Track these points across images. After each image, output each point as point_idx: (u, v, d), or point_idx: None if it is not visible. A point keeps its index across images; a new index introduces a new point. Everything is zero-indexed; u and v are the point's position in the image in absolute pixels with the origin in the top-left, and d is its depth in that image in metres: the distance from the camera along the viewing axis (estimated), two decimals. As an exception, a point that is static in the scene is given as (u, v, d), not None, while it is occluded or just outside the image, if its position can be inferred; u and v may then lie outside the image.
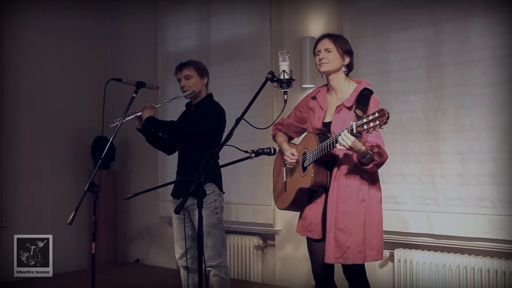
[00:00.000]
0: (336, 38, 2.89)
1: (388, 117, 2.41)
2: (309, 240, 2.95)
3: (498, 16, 3.68)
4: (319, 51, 2.88)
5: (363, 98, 2.77)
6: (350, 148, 2.57)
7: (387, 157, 2.74)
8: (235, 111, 3.02)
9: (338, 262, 2.76)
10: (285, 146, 3.06)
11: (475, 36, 3.78)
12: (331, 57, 2.85)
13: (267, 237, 4.93)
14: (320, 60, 2.86)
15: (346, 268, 2.83)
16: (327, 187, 2.82)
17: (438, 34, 3.94)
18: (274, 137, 3.20)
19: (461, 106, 3.82)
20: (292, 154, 2.95)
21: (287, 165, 3.00)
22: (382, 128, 2.44)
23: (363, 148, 2.61)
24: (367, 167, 2.68)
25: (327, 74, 2.89)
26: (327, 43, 2.87)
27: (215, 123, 3.53)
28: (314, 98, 2.99)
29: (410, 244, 4.05)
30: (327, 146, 2.70)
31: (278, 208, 3.16)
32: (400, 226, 4.06)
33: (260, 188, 4.89)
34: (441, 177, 3.90)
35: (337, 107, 2.83)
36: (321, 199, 2.85)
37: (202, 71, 3.60)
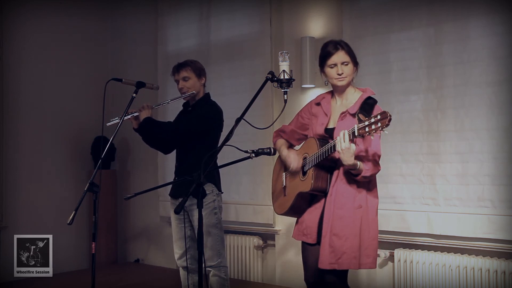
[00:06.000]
0: (348, 49, 2.79)
1: (390, 119, 2.40)
2: (304, 245, 2.92)
3: (498, 16, 3.69)
4: (334, 64, 2.77)
5: (367, 106, 2.74)
6: (341, 155, 2.56)
7: (379, 170, 2.72)
8: (235, 111, 3.00)
9: (332, 268, 2.71)
10: (284, 150, 3.00)
11: (475, 36, 3.78)
12: (348, 71, 2.78)
13: (267, 237, 4.93)
14: (339, 75, 2.77)
15: (330, 272, 2.75)
16: (327, 192, 2.80)
17: (438, 34, 3.94)
18: (275, 144, 3.13)
19: (461, 106, 3.82)
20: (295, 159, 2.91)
21: (290, 170, 2.93)
22: (383, 130, 2.44)
23: (352, 160, 2.58)
24: (356, 178, 2.68)
25: (345, 88, 2.85)
26: (343, 56, 2.76)
27: (212, 123, 3.51)
28: (318, 104, 2.93)
29: (410, 244, 4.05)
30: (328, 149, 2.68)
31: (276, 213, 3.13)
32: (400, 226, 4.05)
33: (260, 188, 4.89)
34: (441, 177, 3.90)
35: (342, 114, 2.79)
36: (320, 204, 2.82)
37: (200, 71, 3.57)
